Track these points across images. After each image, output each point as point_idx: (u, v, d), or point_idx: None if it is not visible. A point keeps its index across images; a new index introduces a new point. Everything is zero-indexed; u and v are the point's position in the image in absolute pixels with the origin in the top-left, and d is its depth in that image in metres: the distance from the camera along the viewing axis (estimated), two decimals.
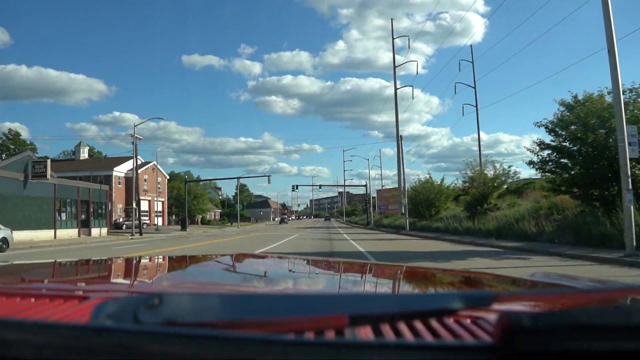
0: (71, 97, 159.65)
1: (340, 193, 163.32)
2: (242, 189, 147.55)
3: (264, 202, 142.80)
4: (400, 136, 31.10)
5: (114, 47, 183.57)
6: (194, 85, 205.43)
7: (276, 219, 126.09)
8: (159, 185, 63.22)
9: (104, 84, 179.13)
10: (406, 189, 30.89)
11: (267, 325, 0.54)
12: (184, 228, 43.95)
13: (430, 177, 33.00)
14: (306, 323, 0.56)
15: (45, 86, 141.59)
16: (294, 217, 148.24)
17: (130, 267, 1.83)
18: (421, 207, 31.19)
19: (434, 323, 0.68)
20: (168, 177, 67.54)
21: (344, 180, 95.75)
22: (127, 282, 1.50)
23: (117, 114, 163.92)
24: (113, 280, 1.53)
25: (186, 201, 51.09)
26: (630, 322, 0.43)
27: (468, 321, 0.70)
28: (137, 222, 33.80)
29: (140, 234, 33.22)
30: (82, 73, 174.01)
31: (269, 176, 52.65)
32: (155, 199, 61.56)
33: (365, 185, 62.62)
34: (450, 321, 0.70)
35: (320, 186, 61.89)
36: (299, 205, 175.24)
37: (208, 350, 0.45)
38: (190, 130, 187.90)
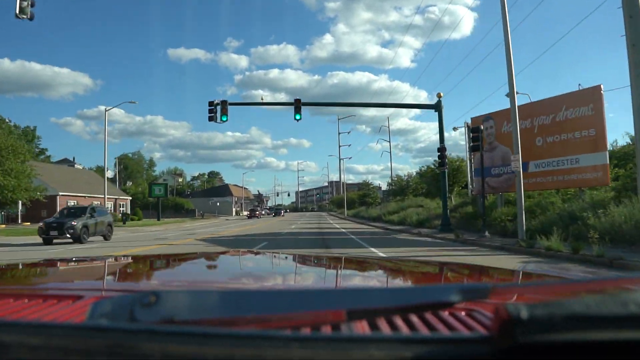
0: (56, 91, 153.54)
1: (330, 183, 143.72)
2: (214, 177, 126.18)
3: (221, 189, 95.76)
4: None
5: (99, 40, 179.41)
6: (181, 78, 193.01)
7: (242, 213, 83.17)
8: None
9: (89, 78, 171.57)
10: None
11: (264, 321, 0.55)
12: None
13: None
14: (303, 318, 0.57)
15: (29, 80, 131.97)
16: (267, 212, 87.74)
17: (126, 266, 1.85)
18: None
19: (430, 316, 0.69)
20: None
21: (339, 150, 64.25)
22: (123, 280, 1.52)
23: (102, 108, 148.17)
24: (108, 278, 1.54)
25: None
26: (626, 312, 0.43)
27: (465, 314, 0.71)
28: None
29: None
30: (67, 66, 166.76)
31: None
32: None
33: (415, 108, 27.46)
34: (447, 314, 0.71)
35: (296, 106, 22.23)
36: (278, 194, 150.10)
37: (206, 348, 0.44)
38: (177, 125, 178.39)
